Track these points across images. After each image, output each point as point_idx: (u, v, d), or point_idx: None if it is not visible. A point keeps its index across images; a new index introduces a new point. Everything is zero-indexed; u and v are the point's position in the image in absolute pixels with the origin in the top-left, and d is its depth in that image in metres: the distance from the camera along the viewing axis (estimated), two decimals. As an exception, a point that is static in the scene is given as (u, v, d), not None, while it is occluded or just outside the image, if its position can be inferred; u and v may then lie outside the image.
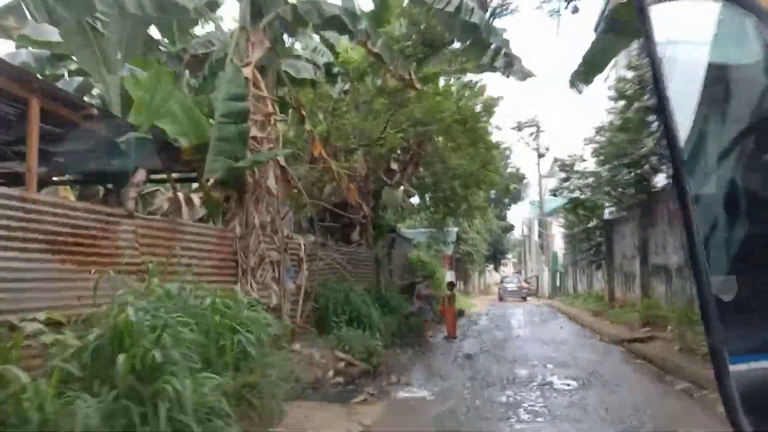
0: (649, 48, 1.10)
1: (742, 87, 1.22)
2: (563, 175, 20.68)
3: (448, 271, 36.98)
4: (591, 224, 21.51)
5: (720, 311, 1.03)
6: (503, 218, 66.95)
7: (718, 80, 1.21)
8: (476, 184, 14.80)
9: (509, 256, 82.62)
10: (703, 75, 1.18)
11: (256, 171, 7.72)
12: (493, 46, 8.65)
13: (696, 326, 10.05)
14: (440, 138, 12.27)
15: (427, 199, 18.39)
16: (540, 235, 41.52)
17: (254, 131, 7.70)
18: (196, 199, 6.87)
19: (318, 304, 9.77)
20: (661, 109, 1.08)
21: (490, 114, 12.23)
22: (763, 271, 1.07)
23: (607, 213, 20.37)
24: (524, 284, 38.75)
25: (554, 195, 21.57)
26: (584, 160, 20.45)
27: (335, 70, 12.70)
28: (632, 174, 16.07)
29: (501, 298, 37.05)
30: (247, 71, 7.83)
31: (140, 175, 6.58)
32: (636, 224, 16.39)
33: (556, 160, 20.73)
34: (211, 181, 7.27)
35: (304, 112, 9.35)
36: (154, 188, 9.55)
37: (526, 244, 59.55)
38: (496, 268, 75.22)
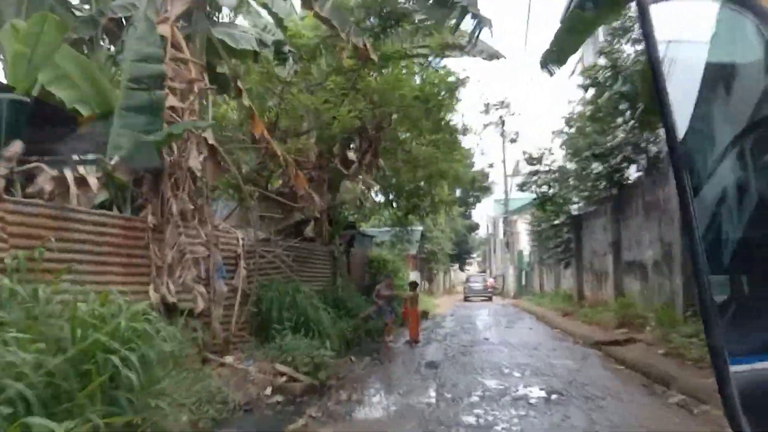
0: (648, 47, 1.11)
1: (741, 86, 1.21)
2: (531, 169, 19.85)
3: (412, 271, 36.05)
4: (559, 220, 20.78)
5: (720, 312, 1.04)
6: (468, 217, 66.59)
7: (717, 80, 1.21)
8: (440, 175, 13.68)
9: (474, 255, 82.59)
10: (703, 74, 1.18)
11: (175, 148, 6.37)
12: (458, 7, 7.51)
13: (680, 327, 9.18)
14: (400, 122, 11.04)
15: (389, 194, 17.22)
16: (505, 234, 40.89)
17: (172, 100, 6.34)
18: (92, 180, 5.46)
19: (259, 308, 8.46)
20: (662, 108, 1.08)
21: (453, 97, 11.09)
22: (762, 272, 1.08)
23: (576, 209, 19.68)
24: (489, 283, 38.05)
25: (522, 189, 20.65)
26: (552, 154, 19.72)
27: (286, 49, 11.41)
28: (603, 166, 15.30)
29: (466, 298, 36.29)
30: (164, 28, 6.47)
31: (15, 147, 5.15)
32: (608, 219, 15.60)
33: (524, 153, 19.82)
34: (116, 159, 5.87)
35: (241, 85, 8.01)
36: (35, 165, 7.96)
37: (491, 243, 59.10)
38: (461, 268, 74.92)
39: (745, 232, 1.13)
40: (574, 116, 17.91)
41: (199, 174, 6.39)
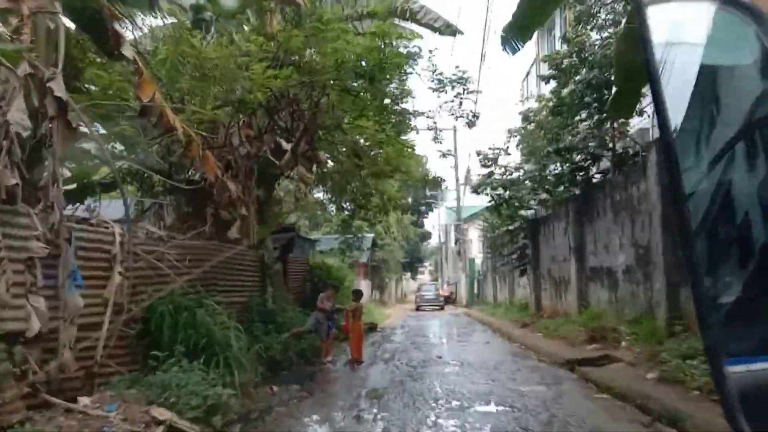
0: (645, 49, 1.12)
1: (737, 89, 1.23)
2: (485, 171, 18.42)
3: (363, 280, 34.32)
4: (514, 225, 19.48)
5: (717, 313, 1.06)
6: (420, 225, 65.45)
7: (712, 82, 1.22)
8: (389, 169, 11.96)
9: (426, 264, 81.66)
10: (697, 76, 1.19)
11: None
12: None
13: (667, 343, 7.75)
14: (339, 100, 9.20)
15: (331, 192, 15.38)
16: (457, 242, 39.67)
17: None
18: None
19: (146, 327, 6.42)
20: (658, 108, 1.10)
21: (400, 69, 9.35)
22: (758, 271, 1.08)
23: (532, 213, 18.42)
24: (442, 292, 36.71)
25: (476, 192, 19.14)
26: (509, 154, 18.41)
27: (206, 15, 9.47)
28: (566, 166, 14.02)
29: (419, 307, 34.80)
30: None
31: None
32: (570, 222, 14.29)
33: (478, 154, 18.41)
34: None
35: (119, 29, 6.00)
36: None
37: (443, 251, 57.89)
38: (413, 277, 73.81)
39: (741, 232, 1.14)
40: (533, 112, 16.70)
41: (24, 133, 4.34)
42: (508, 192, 17.28)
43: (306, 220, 38.63)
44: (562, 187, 14.53)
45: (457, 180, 36.71)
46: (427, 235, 70.27)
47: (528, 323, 16.09)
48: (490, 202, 18.29)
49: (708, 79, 1.20)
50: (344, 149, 11.58)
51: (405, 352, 12.23)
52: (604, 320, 11.11)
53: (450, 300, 36.55)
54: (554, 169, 14.95)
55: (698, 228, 1.09)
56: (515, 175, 17.31)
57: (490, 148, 18.21)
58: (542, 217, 17.48)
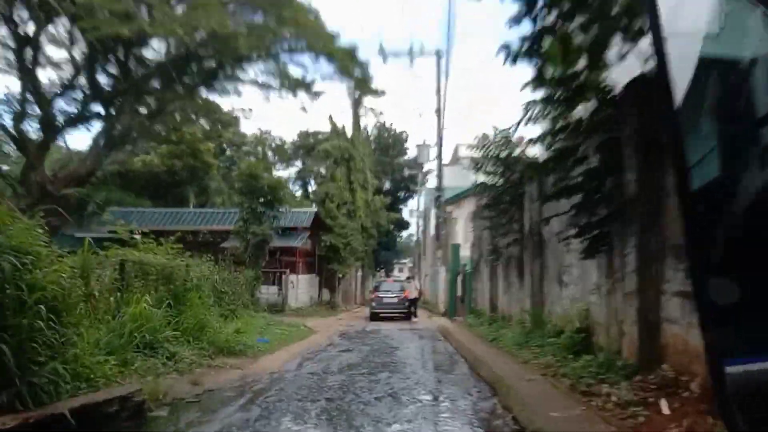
0: (656, 43, 1.09)
1: (747, 81, 1.17)
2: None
3: (297, 275, 22.94)
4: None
5: (717, 313, 1.05)
6: (397, 210, 53.94)
7: (721, 73, 1.18)
8: None
9: (406, 261, 70.12)
10: (706, 68, 1.14)
11: None
12: None
13: None
14: None
15: None
16: (437, 220, 27.87)
17: None
18: None
19: None
20: (666, 103, 1.07)
21: None
22: (758, 271, 1.06)
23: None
24: (408, 293, 24.85)
25: (477, 169, 12.99)
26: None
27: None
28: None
29: (375, 315, 23.13)
30: None
31: None
32: None
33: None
34: None
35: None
36: None
37: (422, 243, 46.42)
38: (387, 274, 62.19)
39: (742, 231, 1.11)
40: None
41: None
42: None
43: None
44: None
45: (440, 127, 25.17)
46: (403, 224, 58.90)
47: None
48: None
49: (716, 71, 1.16)
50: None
51: None
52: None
53: (416, 302, 24.22)
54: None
55: (702, 227, 1.08)
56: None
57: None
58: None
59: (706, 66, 1.14)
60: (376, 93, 23.24)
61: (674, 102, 1.05)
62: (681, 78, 1.07)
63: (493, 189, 12.74)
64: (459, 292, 22.40)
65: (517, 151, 10.89)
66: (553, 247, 10.01)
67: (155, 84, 19.22)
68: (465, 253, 22.98)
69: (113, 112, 18.93)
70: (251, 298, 16.37)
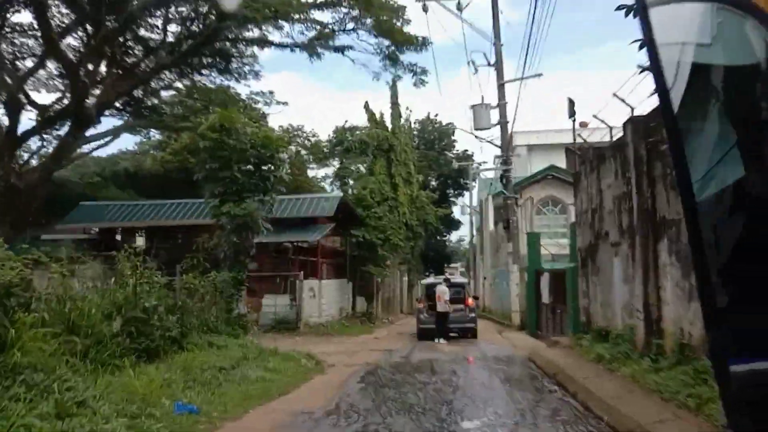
0: (650, 52, 1.10)
1: (740, 88, 1.19)
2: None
3: (319, 280, 17.07)
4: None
5: (722, 314, 1.04)
6: (446, 205, 47.34)
7: (716, 81, 1.20)
8: None
9: (456, 264, 63.16)
10: (701, 75, 1.16)
11: None
12: None
13: None
14: None
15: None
16: (504, 209, 20.84)
17: None
18: None
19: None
20: (665, 110, 1.09)
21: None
22: (762, 272, 1.05)
23: None
24: (470, 301, 17.88)
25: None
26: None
27: None
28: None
29: (423, 334, 16.66)
30: None
31: None
32: None
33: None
34: None
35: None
36: None
37: (477, 240, 39.47)
38: (442, 272, 55.15)
39: (745, 233, 1.10)
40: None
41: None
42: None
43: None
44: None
45: (500, 65, 18.55)
46: (453, 223, 52.19)
47: None
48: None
49: (711, 79, 1.17)
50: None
51: None
52: None
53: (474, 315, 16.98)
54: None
55: (707, 231, 1.07)
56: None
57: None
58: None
59: (699, 73, 1.15)
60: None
61: (673, 112, 1.08)
62: (677, 87, 1.10)
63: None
64: (545, 298, 15.73)
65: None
66: None
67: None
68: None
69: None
70: (228, 314, 10.44)
